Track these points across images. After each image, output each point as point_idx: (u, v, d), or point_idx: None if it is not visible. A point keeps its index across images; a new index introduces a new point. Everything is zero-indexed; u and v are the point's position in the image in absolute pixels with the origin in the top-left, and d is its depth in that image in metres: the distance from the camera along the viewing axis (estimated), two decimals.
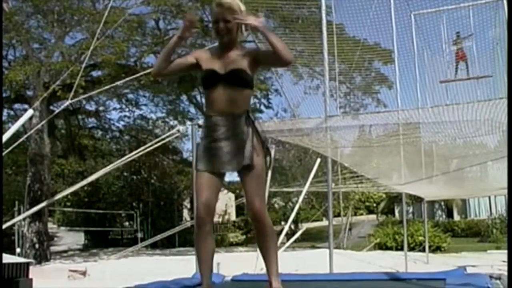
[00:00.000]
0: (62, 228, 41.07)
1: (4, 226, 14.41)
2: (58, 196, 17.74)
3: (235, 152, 4.25)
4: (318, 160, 16.02)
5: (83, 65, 14.49)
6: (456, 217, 44.35)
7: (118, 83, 19.04)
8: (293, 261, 17.91)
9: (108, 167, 13.68)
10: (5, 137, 10.51)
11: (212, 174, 4.29)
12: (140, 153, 12.52)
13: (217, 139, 4.26)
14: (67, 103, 12.62)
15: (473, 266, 14.96)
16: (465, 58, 14.34)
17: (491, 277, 8.18)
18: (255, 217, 4.32)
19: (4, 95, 28.81)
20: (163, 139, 12.57)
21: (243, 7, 4.31)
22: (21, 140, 14.21)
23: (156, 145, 12.23)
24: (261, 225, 4.34)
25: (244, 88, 4.31)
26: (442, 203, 44.74)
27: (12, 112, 30.95)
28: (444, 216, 44.99)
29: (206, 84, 4.31)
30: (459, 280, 7.68)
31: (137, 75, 17.07)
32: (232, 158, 4.25)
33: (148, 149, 12.13)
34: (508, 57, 5.06)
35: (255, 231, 4.43)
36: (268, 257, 4.43)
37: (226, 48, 4.34)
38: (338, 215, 32.44)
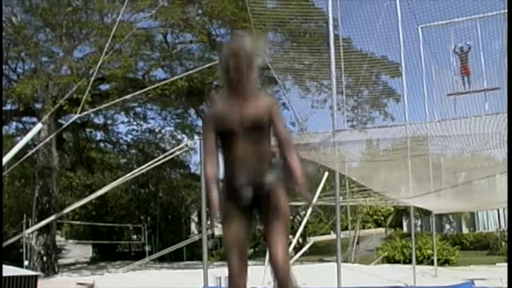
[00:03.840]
0: (70, 241, 41.11)
1: (12, 240, 14.49)
2: (67, 210, 17.81)
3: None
4: (326, 173, 16.01)
5: (91, 81, 14.54)
6: (465, 230, 44.15)
7: (127, 97, 19.13)
8: (301, 275, 17.87)
9: (116, 181, 13.75)
10: (14, 150, 10.56)
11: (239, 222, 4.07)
12: (149, 167, 12.57)
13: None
14: (75, 117, 12.71)
15: (482, 279, 14.91)
16: (468, 72, 14.28)
17: None
18: (279, 275, 4.01)
19: (13, 108, 28.95)
20: (172, 153, 12.62)
21: (260, 43, 4.25)
22: (30, 153, 14.29)
23: (165, 160, 12.27)
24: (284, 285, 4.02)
25: (264, 140, 4.08)
26: (451, 216, 44.57)
27: (20, 125, 31.09)
28: (452, 229, 44.81)
29: (225, 143, 4.06)
30: None
31: (145, 89, 17.12)
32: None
33: (157, 163, 12.17)
34: (508, 57, 5.07)
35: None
36: None
37: (235, 93, 4.05)
38: (346, 228, 32.32)
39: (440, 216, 41.49)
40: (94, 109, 20.22)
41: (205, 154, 4.09)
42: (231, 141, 4.01)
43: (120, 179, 13.77)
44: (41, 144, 21.00)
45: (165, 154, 12.79)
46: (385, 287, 10.62)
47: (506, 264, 25.31)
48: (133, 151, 37.03)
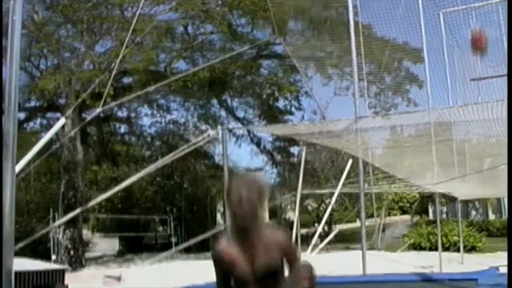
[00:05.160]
0: (97, 234, 41.43)
1: (39, 234, 14.63)
2: (92, 202, 17.92)
3: None
4: (350, 161, 15.98)
5: (112, 74, 14.56)
6: (491, 216, 43.83)
7: (149, 88, 19.19)
8: (327, 263, 17.86)
9: (141, 172, 13.80)
10: (38, 146, 10.64)
11: None
12: (173, 158, 12.60)
13: None
14: (98, 111, 12.79)
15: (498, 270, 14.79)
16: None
17: None
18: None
19: (36, 104, 29.18)
20: (195, 144, 12.64)
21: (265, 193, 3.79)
22: (53, 148, 14.39)
23: (188, 150, 12.29)
24: None
25: (277, 284, 3.81)
26: (477, 203, 44.26)
27: (45, 121, 31.37)
28: (478, 216, 44.49)
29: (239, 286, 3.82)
30: (491, 280, 7.62)
31: (168, 80, 17.15)
32: None
33: (180, 154, 12.20)
34: (508, 56, 5.00)
35: None
36: None
37: (245, 236, 3.72)
38: (371, 216, 32.22)
39: (466, 202, 41.23)
40: (117, 102, 20.31)
41: None
42: (242, 284, 3.78)
43: (145, 170, 13.83)
44: (65, 138, 21.17)
45: (189, 144, 12.80)
46: (409, 273, 10.57)
47: None
48: (157, 143, 37.24)
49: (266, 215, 3.85)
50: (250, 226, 3.66)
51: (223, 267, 3.77)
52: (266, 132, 33.06)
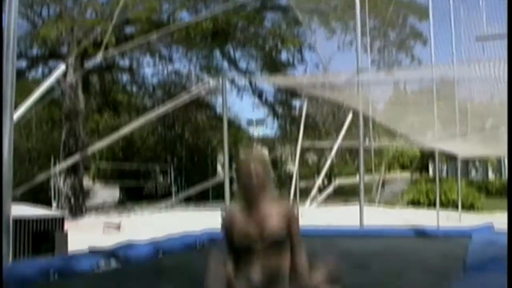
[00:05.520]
0: (98, 183, 41.54)
1: (39, 179, 14.67)
2: (92, 148, 17.86)
3: None
4: (350, 115, 15.93)
5: (113, 20, 14.45)
6: (491, 176, 43.91)
7: (151, 37, 19.03)
8: (326, 216, 17.96)
9: (140, 119, 13.77)
10: (38, 93, 10.60)
11: None
12: (172, 107, 12.55)
13: None
14: (98, 58, 12.68)
15: (504, 227, 14.87)
16: None
17: None
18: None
19: (38, 52, 29.00)
20: (195, 93, 12.58)
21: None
22: (52, 95, 14.31)
23: (186, 98, 12.23)
24: None
25: (282, 254, 3.92)
26: (477, 162, 44.30)
27: (47, 70, 31.20)
28: (478, 175, 44.57)
29: (243, 253, 3.90)
30: (485, 236, 7.67)
31: (170, 30, 17.00)
32: None
33: (179, 102, 12.14)
34: (508, 55, 4.93)
35: None
36: None
37: (254, 207, 3.90)
38: (371, 171, 32.27)
39: (466, 161, 41.30)
40: (118, 50, 20.18)
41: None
42: (248, 257, 3.89)
43: (144, 118, 13.77)
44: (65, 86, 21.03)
45: (189, 93, 12.74)
46: (404, 228, 10.61)
47: None
48: (159, 93, 37.11)
49: (273, 187, 3.97)
50: (258, 198, 3.87)
51: (230, 235, 3.91)
52: (268, 83, 32.84)
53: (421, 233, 8.98)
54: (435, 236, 8.65)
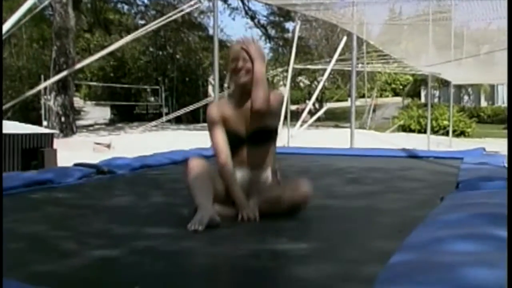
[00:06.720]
0: (88, 102, 41.38)
1: (28, 94, 14.52)
2: (80, 64, 17.63)
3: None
4: (345, 38, 15.75)
5: None
6: (483, 103, 44.03)
7: None
8: (316, 138, 17.96)
9: (129, 36, 13.56)
10: (25, 6, 10.33)
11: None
12: (163, 25, 12.31)
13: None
14: None
15: (496, 152, 14.91)
16: None
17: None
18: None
19: None
20: (186, 11, 12.34)
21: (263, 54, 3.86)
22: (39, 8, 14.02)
23: (176, 16, 12.00)
24: None
25: (270, 145, 3.92)
26: (470, 89, 44.34)
27: None
28: (470, 102, 44.69)
29: (230, 145, 3.83)
30: (476, 159, 7.67)
31: None
32: None
33: (169, 19, 11.92)
34: (508, 55, 4.77)
35: None
36: None
37: (245, 95, 3.80)
38: (363, 96, 32.24)
39: (459, 88, 41.32)
40: None
41: (216, 146, 3.83)
42: (236, 146, 3.84)
43: (133, 34, 13.53)
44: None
45: (178, 10, 12.48)
46: (396, 149, 10.62)
47: None
48: (151, 12, 36.59)
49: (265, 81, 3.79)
50: (246, 82, 3.77)
51: (217, 124, 3.84)
52: (261, 2, 32.31)
53: (413, 155, 8.96)
54: (427, 158, 8.63)
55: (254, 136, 3.81)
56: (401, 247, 2.44)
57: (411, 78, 45.69)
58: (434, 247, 2.32)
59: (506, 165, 6.79)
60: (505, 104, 40.42)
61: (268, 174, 3.90)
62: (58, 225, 3.62)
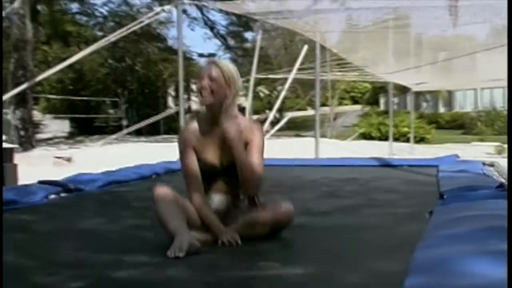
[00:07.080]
0: (47, 116, 40.89)
1: None
2: (41, 77, 17.42)
3: None
4: (306, 46, 15.79)
5: None
6: (441, 109, 44.63)
7: None
8: (279, 148, 17.95)
9: (89, 48, 13.44)
10: None
11: None
12: (121, 35, 12.23)
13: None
14: None
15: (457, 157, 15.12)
16: None
17: (483, 164, 8.20)
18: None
19: None
20: (148, 20, 12.26)
21: (238, 81, 3.72)
22: None
23: (136, 27, 11.92)
24: None
25: None
26: (428, 95, 44.87)
27: None
28: (429, 108, 45.25)
29: (203, 177, 3.61)
30: (452, 166, 7.69)
31: None
32: None
33: (129, 31, 11.84)
34: (508, 55, 4.82)
35: None
36: None
37: (214, 119, 3.58)
38: (324, 104, 32.41)
39: (417, 94, 41.78)
40: None
41: (188, 178, 3.63)
42: (210, 178, 3.64)
43: (92, 46, 13.43)
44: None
45: (138, 21, 12.39)
46: (369, 158, 10.58)
47: (480, 143, 25.62)
48: (110, 23, 36.33)
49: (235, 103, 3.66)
50: (211, 104, 3.55)
51: (190, 149, 3.63)
52: (220, 10, 32.17)
53: (387, 164, 8.98)
54: (402, 166, 8.65)
55: (230, 169, 3.58)
56: (411, 269, 2.30)
57: (369, 86, 46.11)
58: (447, 267, 2.21)
59: (484, 172, 6.87)
60: (463, 110, 41.09)
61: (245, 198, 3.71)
62: (25, 254, 3.31)
